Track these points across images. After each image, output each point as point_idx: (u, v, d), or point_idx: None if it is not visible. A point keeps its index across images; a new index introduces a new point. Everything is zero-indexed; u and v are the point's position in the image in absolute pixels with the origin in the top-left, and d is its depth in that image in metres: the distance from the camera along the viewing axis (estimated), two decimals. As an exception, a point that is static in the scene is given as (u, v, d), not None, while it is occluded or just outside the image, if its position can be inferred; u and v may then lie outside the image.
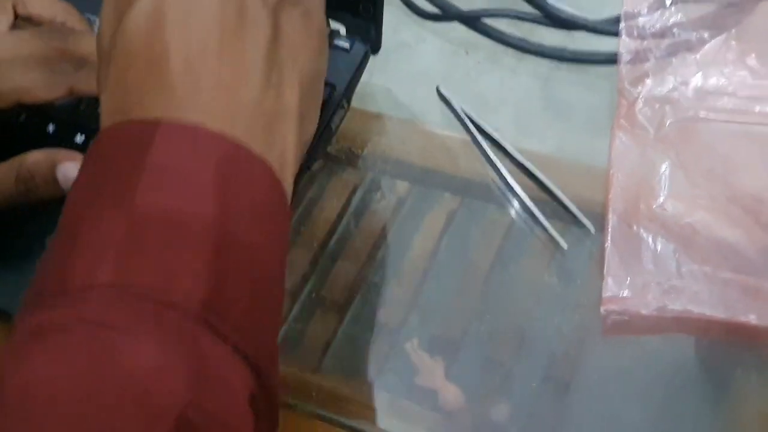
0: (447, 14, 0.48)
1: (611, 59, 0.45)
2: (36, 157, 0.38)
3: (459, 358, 0.39)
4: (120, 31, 0.28)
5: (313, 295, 0.41)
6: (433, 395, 0.38)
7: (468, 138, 0.45)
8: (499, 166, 0.43)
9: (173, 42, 0.27)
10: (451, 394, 0.38)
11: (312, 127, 0.31)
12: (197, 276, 0.24)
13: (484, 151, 0.44)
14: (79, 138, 0.42)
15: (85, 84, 0.39)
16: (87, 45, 0.40)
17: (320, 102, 0.32)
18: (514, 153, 0.43)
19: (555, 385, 0.38)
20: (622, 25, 0.45)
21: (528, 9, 0.48)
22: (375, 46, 0.42)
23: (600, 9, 0.47)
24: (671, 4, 0.45)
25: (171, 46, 0.27)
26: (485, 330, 0.40)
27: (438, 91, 0.46)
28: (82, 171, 0.28)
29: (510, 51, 0.48)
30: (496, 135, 0.44)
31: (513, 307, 0.41)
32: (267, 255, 0.27)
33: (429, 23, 0.49)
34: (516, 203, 0.43)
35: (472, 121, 0.45)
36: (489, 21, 0.48)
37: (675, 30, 0.44)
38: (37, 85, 0.39)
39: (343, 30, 0.43)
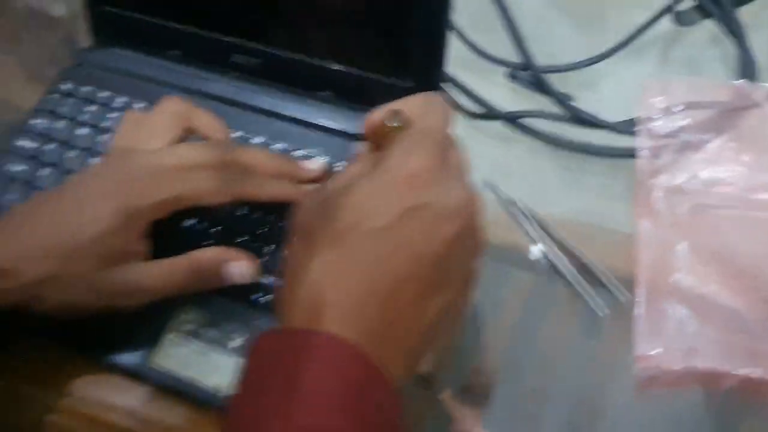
0: (492, 114, 0.57)
1: (630, 154, 0.54)
2: (208, 254, 0.43)
3: (492, 408, 0.45)
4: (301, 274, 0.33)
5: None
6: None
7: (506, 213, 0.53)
8: (535, 237, 0.51)
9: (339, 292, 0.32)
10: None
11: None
12: None
13: (521, 224, 0.51)
14: (238, 240, 0.47)
15: (248, 191, 0.44)
16: (249, 157, 0.45)
17: None
18: (551, 230, 0.51)
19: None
20: (638, 127, 0.54)
21: (558, 111, 0.57)
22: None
23: (618, 112, 0.56)
24: (679, 111, 0.54)
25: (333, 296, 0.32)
26: (516, 382, 0.46)
27: (484, 181, 0.54)
28: (244, 373, 0.32)
29: (543, 145, 0.56)
30: (533, 212, 0.52)
31: (548, 361, 0.47)
32: None
33: (476, 121, 0.58)
34: (549, 268, 0.50)
35: (513, 204, 0.53)
36: (526, 120, 0.57)
37: (682, 133, 0.54)
38: (209, 191, 0.43)
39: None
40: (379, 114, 0.39)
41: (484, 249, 0.37)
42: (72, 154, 0.53)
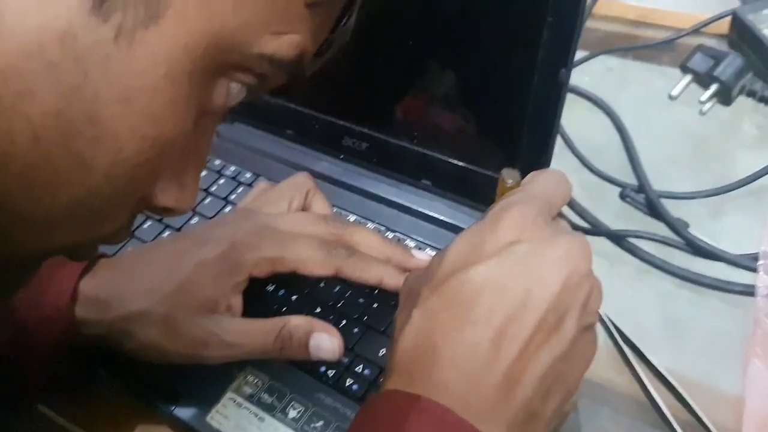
0: (596, 230, 0.54)
1: (749, 291, 0.49)
2: (297, 322, 0.42)
3: None
4: (406, 329, 0.32)
5: None
6: None
7: (610, 343, 0.48)
8: (643, 379, 0.46)
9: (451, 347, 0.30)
10: None
11: None
12: None
13: (628, 360, 0.47)
14: (334, 319, 0.46)
15: (351, 269, 0.43)
16: (361, 237, 0.45)
17: None
18: (660, 368, 0.46)
19: None
20: (760, 262, 0.50)
21: (671, 235, 0.53)
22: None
23: (734, 247, 0.52)
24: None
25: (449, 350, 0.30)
26: None
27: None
28: (354, 426, 0.32)
29: (649, 269, 0.53)
30: (642, 348, 0.47)
31: None
32: None
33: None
34: (655, 415, 0.44)
35: (619, 331, 0.48)
36: (634, 240, 0.53)
37: (810, 275, 0.49)
38: (313, 260, 0.43)
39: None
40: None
41: (601, 301, 0.33)
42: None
